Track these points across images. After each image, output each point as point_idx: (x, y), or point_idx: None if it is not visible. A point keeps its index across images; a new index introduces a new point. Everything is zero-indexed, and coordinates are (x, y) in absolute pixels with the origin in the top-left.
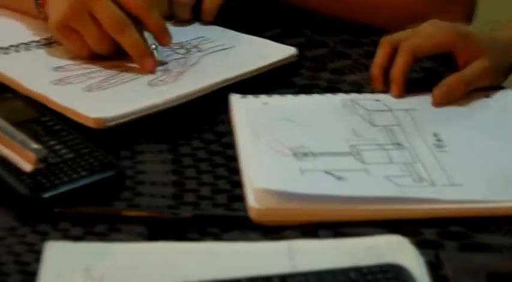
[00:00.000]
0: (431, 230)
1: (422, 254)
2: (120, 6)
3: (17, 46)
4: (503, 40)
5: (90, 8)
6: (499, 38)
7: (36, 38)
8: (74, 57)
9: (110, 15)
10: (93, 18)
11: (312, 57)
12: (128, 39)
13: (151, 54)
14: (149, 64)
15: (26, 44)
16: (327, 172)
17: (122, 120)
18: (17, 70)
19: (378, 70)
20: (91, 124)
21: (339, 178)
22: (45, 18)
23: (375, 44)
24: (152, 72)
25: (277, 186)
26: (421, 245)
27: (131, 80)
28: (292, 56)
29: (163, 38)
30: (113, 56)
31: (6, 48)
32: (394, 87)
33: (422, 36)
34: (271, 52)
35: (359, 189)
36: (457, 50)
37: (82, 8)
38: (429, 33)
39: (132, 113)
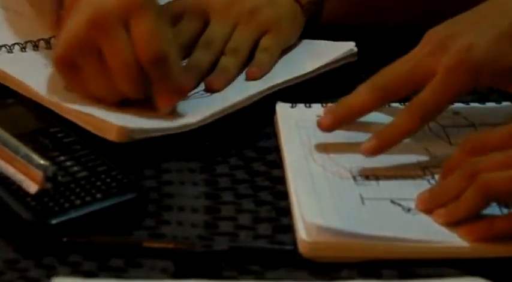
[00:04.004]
0: None
1: None
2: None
3: (23, 44)
4: None
5: (101, 44)
6: None
7: (46, 36)
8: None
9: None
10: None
11: (375, 58)
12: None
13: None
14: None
15: (34, 42)
16: (393, 201)
17: (148, 135)
18: (24, 72)
19: (348, 113)
20: (113, 136)
21: (408, 210)
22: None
23: None
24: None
25: (332, 222)
26: None
27: None
28: (351, 54)
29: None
30: None
31: (10, 47)
32: (374, 144)
33: (431, 91)
34: (326, 51)
35: (434, 226)
36: (483, 84)
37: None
38: (441, 81)
39: (161, 131)
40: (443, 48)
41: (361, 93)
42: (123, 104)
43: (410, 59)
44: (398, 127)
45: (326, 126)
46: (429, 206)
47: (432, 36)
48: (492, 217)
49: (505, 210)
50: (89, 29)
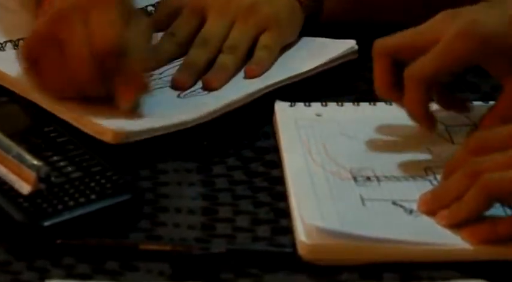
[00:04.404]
0: None
1: None
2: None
3: (15, 42)
4: None
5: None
6: None
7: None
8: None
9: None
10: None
11: None
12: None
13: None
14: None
15: None
16: (394, 203)
17: (144, 136)
18: (16, 70)
19: (386, 92)
20: (108, 138)
21: (410, 212)
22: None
23: None
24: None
25: (332, 224)
26: None
27: (157, 88)
28: (351, 52)
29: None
30: None
31: (2, 45)
32: (423, 126)
33: (431, 55)
34: (326, 49)
35: (436, 229)
36: (484, 63)
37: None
38: (442, 48)
39: (157, 130)
40: (453, 18)
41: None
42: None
43: (421, 27)
44: (408, 102)
45: None
46: (431, 207)
47: (445, 12)
48: (495, 219)
49: (509, 211)
50: (50, 22)
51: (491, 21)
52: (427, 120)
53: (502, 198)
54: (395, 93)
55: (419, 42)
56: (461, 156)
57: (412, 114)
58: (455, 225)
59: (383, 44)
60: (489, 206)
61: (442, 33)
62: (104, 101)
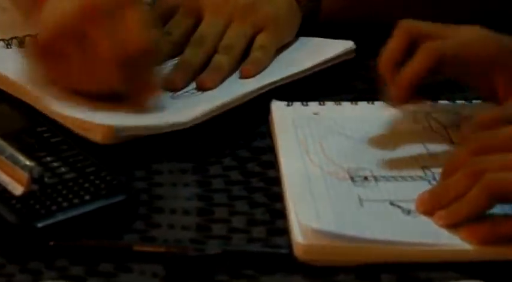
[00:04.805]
0: None
1: None
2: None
3: (8, 41)
4: None
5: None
6: None
7: (33, 33)
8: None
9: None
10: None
11: (373, 54)
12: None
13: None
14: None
15: (20, 38)
16: (392, 203)
17: (137, 134)
18: (9, 69)
19: (388, 65)
20: (98, 136)
21: (408, 212)
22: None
23: None
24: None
25: (329, 225)
26: None
27: None
28: (349, 52)
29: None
30: None
31: None
32: (396, 94)
33: (455, 39)
34: (323, 49)
35: (434, 229)
36: (499, 69)
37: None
38: (466, 38)
39: (150, 129)
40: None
41: None
42: (109, 104)
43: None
44: (411, 67)
45: None
46: (430, 207)
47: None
48: (496, 219)
49: (508, 211)
50: (79, 17)
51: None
52: (407, 91)
53: (504, 199)
54: (393, 71)
55: (443, 31)
56: (461, 156)
57: (404, 77)
58: (454, 226)
59: (409, 21)
60: (491, 206)
61: (468, 34)
62: (102, 100)
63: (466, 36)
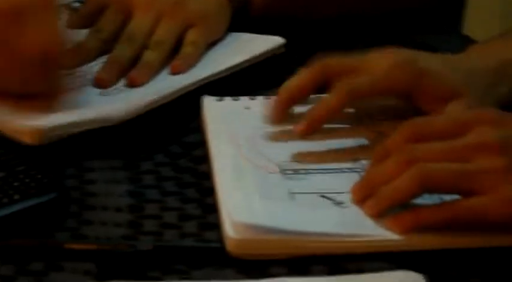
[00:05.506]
0: (456, 264)
1: None
2: None
3: None
4: (482, 71)
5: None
6: (478, 68)
7: None
8: None
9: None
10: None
11: (306, 49)
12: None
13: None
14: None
15: None
16: (322, 195)
17: (66, 132)
18: None
19: (288, 94)
20: (27, 138)
21: (338, 203)
22: None
23: (382, 36)
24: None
25: (259, 219)
26: None
27: (80, 86)
28: (278, 47)
29: None
30: None
31: None
32: (304, 124)
33: (369, 75)
34: (253, 44)
35: (364, 220)
36: (417, 93)
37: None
38: (381, 71)
39: (78, 125)
40: (395, 53)
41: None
42: (33, 104)
43: (361, 56)
44: (325, 103)
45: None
46: (361, 196)
47: (388, 48)
48: (419, 208)
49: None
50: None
51: (429, 60)
52: (316, 124)
53: (434, 189)
54: (288, 102)
55: (356, 67)
56: (394, 141)
57: (317, 112)
58: (381, 215)
59: (323, 59)
60: (418, 195)
61: (381, 65)
62: (25, 100)
63: (380, 70)
